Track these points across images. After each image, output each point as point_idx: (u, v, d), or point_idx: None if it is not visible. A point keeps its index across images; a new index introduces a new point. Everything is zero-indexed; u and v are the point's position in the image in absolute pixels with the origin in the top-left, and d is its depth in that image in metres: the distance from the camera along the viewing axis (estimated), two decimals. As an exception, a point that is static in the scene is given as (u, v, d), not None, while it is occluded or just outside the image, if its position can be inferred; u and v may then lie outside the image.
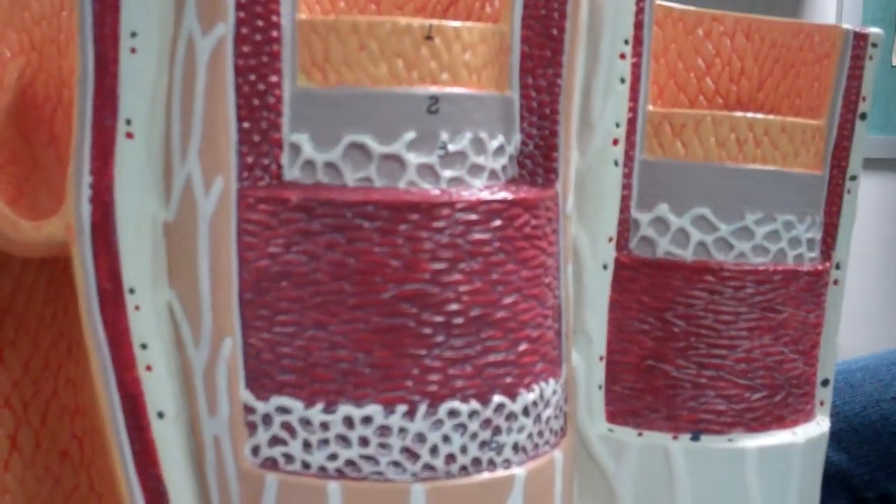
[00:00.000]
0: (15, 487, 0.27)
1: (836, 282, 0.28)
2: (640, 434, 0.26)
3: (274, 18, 0.22)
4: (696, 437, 0.26)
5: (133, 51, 0.22)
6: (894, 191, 2.06)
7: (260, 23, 0.22)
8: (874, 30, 0.28)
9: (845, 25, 0.28)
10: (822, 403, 0.28)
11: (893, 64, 2.07)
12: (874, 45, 0.28)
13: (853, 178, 0.28)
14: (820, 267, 0.27)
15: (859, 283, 2.02)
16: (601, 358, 0.26)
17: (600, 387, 0.26)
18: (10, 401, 0.27)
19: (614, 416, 0.26)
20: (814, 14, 1.98)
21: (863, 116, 0.28)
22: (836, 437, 0.63)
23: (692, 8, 0.31)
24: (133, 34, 0.22)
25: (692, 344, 0.26)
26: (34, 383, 0.27)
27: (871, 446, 0.61)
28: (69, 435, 0.27)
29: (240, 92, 0.22)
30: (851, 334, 1.99)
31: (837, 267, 0.28)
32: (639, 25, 0.26)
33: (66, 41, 0.26)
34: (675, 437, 0.26)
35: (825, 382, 0.28)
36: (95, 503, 0.27)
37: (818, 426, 0.27)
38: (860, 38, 0.28)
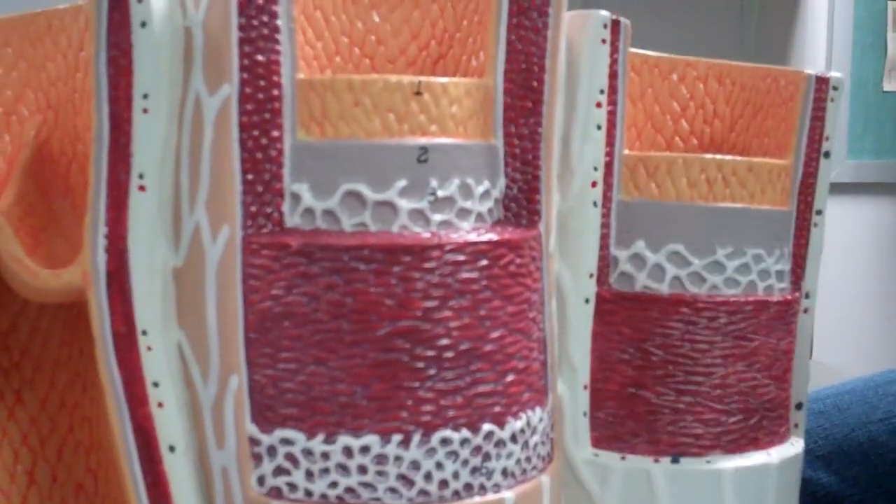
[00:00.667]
0: (34, 520, 0.28)
1: (805, 310, 0.30)
2: (623, 458, 0.27)
3: (275, 79, 0.24)
4: (676, 460, 0.27)
5: (145, 111, 0.24)
6: (888, 214, 2.08)
7: (262, 83, 0.24)
8: (835, 74, 0.30)
9: (807, 71, 0.30)
10: (796, 426, 0.30)
11: (885, 90, 2.10)
12: (835, 89, 0.30)
13: (819, 212, 0.30)
14: (790, 297, 0.29)
15: (855, 306, 2.03)
16: (585, 386, 0.27)
17: (585, 414, 0.28)
18: (27, 438, 0.28)
19: (599, 442, 0.27)
20: (804, 39, 2.01)
21: (826, 154, 0.30)
22: (826, 459, 0.64)
23: (666, 55, 0.32)
24: (145, 96, 0.24)
25: (670, 372, 0.27)
26: (51, 420, 0.28)
27: (860, 468, 0.62)
28: (84, 469, 0.28)
29: (244, 146, 0.24)
30: (848, 352, 2.00)
31: (807, 296, 0.30)
32: (613, 75, 0.28)
33: (81, 100, 0.28)
34: (656, 461, 0.27)
35: (799, 406, 0.29)
36: (111, 533, 0.28)
37: (792, 447, 0.29)
38: (822, 82, 0.30)
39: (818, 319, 1.97)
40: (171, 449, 0.24)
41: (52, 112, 0.28)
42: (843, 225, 2.04)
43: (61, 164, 0.28)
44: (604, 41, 0.27)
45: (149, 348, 0.24)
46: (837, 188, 2.04)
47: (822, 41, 2.03)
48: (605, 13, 0.28)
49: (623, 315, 0.27)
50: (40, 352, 0.28)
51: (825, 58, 2.04)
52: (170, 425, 0.24)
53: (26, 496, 0.28)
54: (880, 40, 2.08)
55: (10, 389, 0.28)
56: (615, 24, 0.28)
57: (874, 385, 0.67)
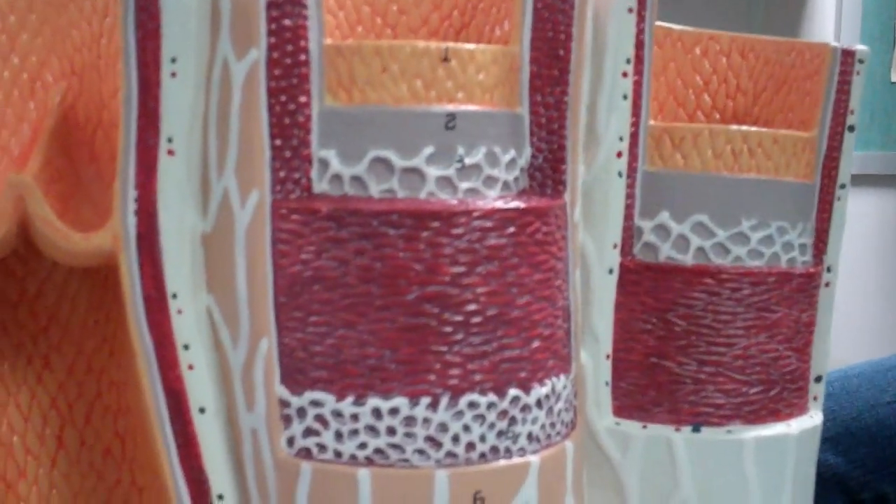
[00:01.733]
0: (62, 483, 0.28)
1: (827, 284, 0.30)
2: (644, 427, 0.27)
3: (302, 44, 0.24)
4: (697, 429, 0.27)
5: (173, 75, 0.24)
6: (894, 206, 2.08)
7: (290, 48, 0.24)
8: (861, 47, 0.30)
9: (833, 43, 0.30)
10: (815, 398, 0.30)
11: (892, 80, 2.09)
12: (861, 62, 0.30)
13: (843, 186, 0.30)
14: (812, 270, 0.29)
15: (860, 296, 2.04)
16: (608, 356, 0.28)
17: (607, 383, 0.28)
18: (56, 402, 0.28)
19: (620, 411, 0.28)
20: (812, 29, 2.01)
21: (851, 128, 0.30)
22: (834, 440, 0.64)
23: (690, 28, 0.33)
24: (173, 59, 0.24)
25: (692, 342, 0.27)
26: (78, 386, 0.28)
27: (867, 449, 0.63)
28: (112, 433, 0.28)
29: (272, 112, 0.24)
30: (851, 344, 2.00)
31: (829, 270, 0.30)
32: (640, 45, 0.28)
33: (106, 66, 0.28)
34: (677, 430, 0.27)
35: (818, 378, 0.30)
36: (137, 496, 0.28)
37: (811, 419, 0.29)
38: (848, 55, 0.30)
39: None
40: (202, 410, 0.24)
41: (76, 78, 0.28)
42: (849, 217, 2.04)
43: (87, 130, 0.28)
44: (631, 10, 0.27)
45: (179, 311, 0.24)
46: (844, 178, 2.04)
47: (829, 32, 2.02)
48: (631, -16, 0.28)
49: (646, 285, 0.28)
50: (68, 317, 0.28)
51: (833, 47, 2.04)
52: (200, 387, 0.24)
53: (55, 459, 0.28)
54: (888, 31, 2.07)
55: (38, 354, 0.28)
56: (641, -4, 0.28)
57: (883, 369, 0.68)
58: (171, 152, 0.24)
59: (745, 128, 0.28)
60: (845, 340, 2.02)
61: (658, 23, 0.32)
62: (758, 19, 1.95)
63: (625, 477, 0.27)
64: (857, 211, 2.08)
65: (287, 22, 0.24)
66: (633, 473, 0.27)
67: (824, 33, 2.04)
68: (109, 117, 0.28)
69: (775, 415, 0.28)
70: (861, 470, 0.64)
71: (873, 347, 2.02)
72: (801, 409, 0.29)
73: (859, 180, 2.09)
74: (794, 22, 2.01)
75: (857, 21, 2.05)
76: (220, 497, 0.25)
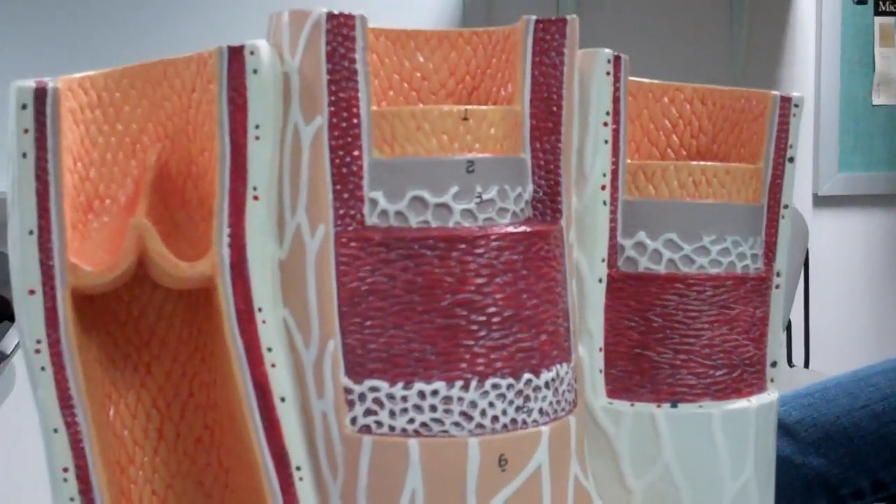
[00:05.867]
0: (162, 468, 0.35)
1: (777, 286, 0.37)
2: (632, 405, 0.34)
3: (355, 111, 0.31)
4: (674, 406, 0.34)
5: (257, 138, 0.31)
6: (879, 226, 2.14)
7: (345, 114, 0.31)
8: (795, 94, 0.37)
9: (774, 92, 0.37)
10: (772, 380, 0.36)
11: (873, 104, 2.17)
12: (796, 106, 0.37)
13: (786, 206, 0.37)
14: (763, 274, 0.36)
15: (847, 317, 2.09)
16: (600, 349, 0.34)
17: (600, 371, 0.34)
18: (156, 402, 0.35)
19: (612, 392, 0.34)
20: (794, 57, 2.08)
21: (791, 160, 0.37)
22: (815, 444, 0.71)
23: (658, 82, 0.40)
24: (257, 126, 0.31)
25: (668, 335, 0.34)
26: (174, 388, 0.35)
27: (845, 449, 0.69)
28: (202, 426, 0.35)
29: (333, 164, 0.31)
30: (839, 357, 2.05)
31: (778, 274, 0.37)
32: (616, 101, 0.35)
33: (194, 131, 0.35)
34: (658, 406, 0.34)
35: (774, 363, 0.36)
36: (224, 476, 0.35)
37: (769, 396, 0.36)
38: (786, 101, 0.37)
39: (813, 331, 2.03)
40: (283, 399, 0.31)
41: (168, 141, 0.35)
42: (834, 236, 2.11)
43: (178, 182, 0.35)
44: (608, 73, 0.34)
45: (264, 322, 0.31)
46: (829, 200, 2.11)
47: (811, 58, 2.10)
48: (608, 51, 0.35)
49: (629, 291, 0.34)
50: (165, 332, 0.35)
51: (814, 74, 2.11)
52: (281, 381, 0.31)
53: (157, 448, 0.35)
54: (868, 56, 2.14)
55: (141, 363, 0.35)
56: (617, 59, 0.35)
57: (857, 378, 0.75)
58: (255, 198, 0.31)
59: (703, 163, 0.35)
60: (835, 358, 2.07)
61: (632, 78, 0.39)
62: (740, 49, 2.03)
63: (618, 446, 0.34)
64: (843, 230, 2.14)
65: (343, 94, 0.31)
66: (624, 443, 0.34)
67: (805, 59, 2.12)
68: (197, 171, 0.35)
69: (738, 392, 0.35)
70: (840, 468, 0.70)
71: (860, 361, 2.07)
72: (760, 388, 0.36)
73: (845, 201, 2.16)
74: (775, 49, 2.09)
75: (836, 47, 2.13)
76: (298, 468, 0.32)
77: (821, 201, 2.12)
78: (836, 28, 2.16)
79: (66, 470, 0.30)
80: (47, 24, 1.44)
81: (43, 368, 0.30)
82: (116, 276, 0.31)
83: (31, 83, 0.32)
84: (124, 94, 0.35)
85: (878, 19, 2.19)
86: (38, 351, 0.30)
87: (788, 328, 1.83)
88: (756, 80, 2.02)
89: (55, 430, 0.30)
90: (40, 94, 0.31)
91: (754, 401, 0.35)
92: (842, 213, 2.14)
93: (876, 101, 2.18)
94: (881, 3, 2.17)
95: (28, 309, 0.30)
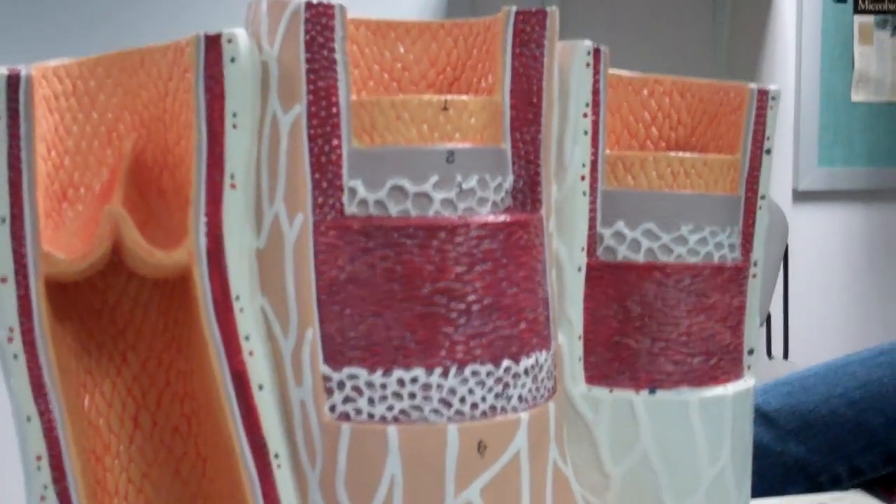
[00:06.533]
0: (138, 457, 0.35)
1: (754, 276, 0.37)
2: (611, 391, 0.34)
3: (334, 100, 0.31)
4: (653, 392, 0.34)
5: (235, 126, 0.31)
6: (858, 221, 2.16)
7: (324, 103, 0.31)
8: (772, 87, 0.37)
9: (751, 85, 0.38)
10: (748, 367, 0.37)
11: (853, 100, 2.18)
12: (773, 99, 0.37)
13: (763, 197, 0.37)
14: (740, 264, 0.36)
15: (827, 311, 2.11)
16: (579, 337, 0.35)
17: (580, 358, 0.35)
18: (132, 391, 0.35)
19: (591, 380, 0.34)
20: (774, 54, 2.10)
21: (768, 151, 0.37)
22: (794, 432, 0.72)
23: (638, 74, 0.40)
24: (234, 114, 0.31)
25: (646, 323, 0.34)
26: (150, 377, 0.35)
27: (823, 437, 0.70)
28: (179, 415, 0.35)
29: (312, 153, 0.31)
30: (819, 349, 2.07)
31: (755, 264, 0.37)
32: (596, 92, 0.35)
33: (170, 119, 0.34)
34: (637, 393, 0.34)
35: (750, 351, 0.37)
36: (201, 465, 0.35)
37: (745, 383, 0.36)
38: (763, 94, 0.37)
39: (792, 323, 2.04)
40: (261, 388, 0.31)
41: (145, 129, 0.35)
42: (814, 231, 2.12)
43: (154, 170, 0.35)
44: (588, 65, 0.34)
45: (241, 310, 0.31)
46: (809, 196, 2.12)
47: (791, 55, 2.11)
48: (588, 43, 0.35)
49: (608, 280, 0.35)
50: (140, 321, 0.35)
51: (795, 70, 2.12)
52: (259, 369, 0.31)
53: (132, 437, 0.35)
54: (847, 53, 2.16)
55: (117, 352, 0.35)
56: (597, 52, 0.35)
57: (835, 367, 0.75)
58: (233, 186, 0.31)
59: (681, 154, 0.35)
60: (814, 351, 2.09)
61: (612, 70, 0.39)
62: (722, 44, 2.04)
63: (596, 432, 0.34)
64: (823, 224, 2.16)
65: (322, 83, 0.31)
66: (603, 429, 0.34)
67: (786, 56, 2.13)
68: (173, 160, 0.34)
69: (715, 380, 0.35)
70: (818, 455, 0.71)
71: (838, 353, 2.10)
72: (736, 375, 0.36)
73: (825, 196, 2.17)
74: (756, 46, 2.10)
75: (816, 44, 2.14)
76: (276, 456, 0.31)
77: (800, 196, 2.14)
78: (816, 25, 2.18)
79: (39, 458, 0.30)
80: (23, 12, 1.43)
81: (16, 356, 0.30)
82: (90, 263, 0.31)
83: (3, 70, 0.31)
84: (99, 83, 0.35)
85: (858, 17, 2.20)
86: (10, 339, 0.30)
87: (768, 321, 1.85)
88: (738, 75, 2.03)
89: (28, 419, 0.30)
90: (13, 81, 0.31)
91: (731, 388, 0.35)
92: (821, 207, 2.16)
93: (855, 97, 2.19)
94: (860, 2, 2.19)
95: (0, 297, 0.30)
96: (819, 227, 2.17)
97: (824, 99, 2.20)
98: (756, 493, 0.66)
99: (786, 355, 1.90)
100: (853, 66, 2.21)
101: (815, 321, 2.10)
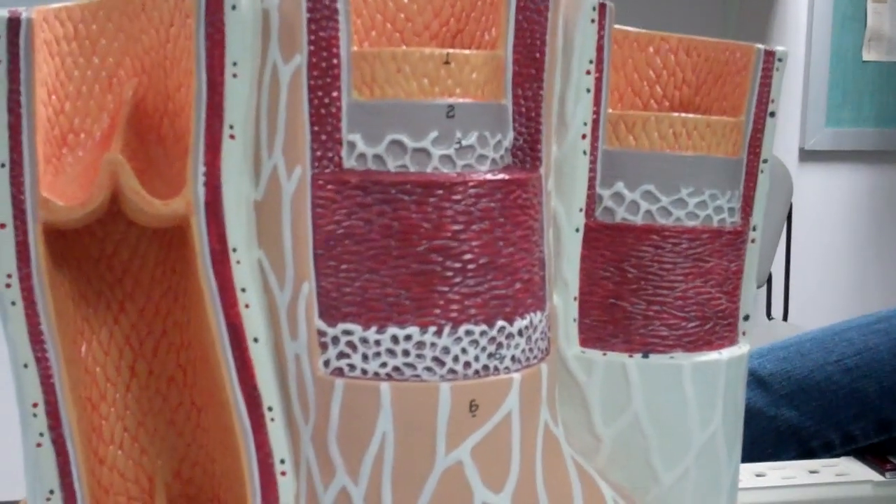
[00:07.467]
0: (134, 405, 0.35)
1: (753, 240, 0.37)
2: (604, 354, 0.34)
3: (335, 50, 0.31)
4: (646, 356, 0.34)
5: (234, 75, 0.31)
6: (864, 181, 2.15)
7: (325, 54, 0.31)
8: (779, 48, 0.37)
9: (758, 45, 0.37)
10: (743, 333, 0.37)
11: (864, 59, 2.16)
12: (780, 60, 0.37)
13: (765, 160, 0.37)
14: (739, 228, 0.36)
15: (830, 271, 2.12)
16: (575, 298, 0.35)
17: (574, 320, 0.35)
18: (129, 339, 0.35)
19: (585, 342, 0.35)
20: (786, 11, 2.07)
21: (772, 114, 0.37)
22: (788, 397, 0.72)
23: (644, 31, 0.39)
24: (234, 63, 0.31)
25: (642, 286, 0.34)
26: (147, 326, 0.35)
27: (817, 403, 0.70)
28: (175, 365, 0.35)
29: (311, 104, 0.31)
30: (821, 321, 2.08)
31: (754, 229, 0.37)
32: (600, 49, 0.35)
33: (171, 65, 0.34)
34: (630, 356, 0.34)
35: (746, 317, 0.37)
36: (196, 415, 0.35)
37: (739, 349, 0.36)
38: (769, 55, 0.37)
39: (793, 283, 2.05)
40: (256, 340, 0.31)
41: (146, 76, 0.35)
42: (819, 191, 2.12)
43: (155, 118, 0.35)
44: (593, 21, 0.34)
45: (238, 262, 0.31)
46: (816, 155, 2.11)
47: (802, 12, 2.09)
48: (594, -1, 0.34)
49: (606, 241, 0.34)
50: (138, 270, 0.35)
51: (806, 28, 2.10)
52: (254, 322, 0.31)
53: (129, 386, 0.35)
54: (860, 11, 2.13)
55: (114, 300, 0.35)
56: (602, 7, 0.35)
57: (832, 333, 0.75)
58: (232, 136, 0.31)
59: (683, 115, 0.35)
60: (817, 312, 2.09)
61: (617, 26, 0.39)
62: (733, 2, 2.01)
63: (589, 395, 0.35)
64: (830, 185, 2.15)
65: (323, 34, 0.31)
66: (595, 392, 0.34)
67: (797, 13, 2.10)
68: (173, 107, 0.34)
69: (709, 345, 0.35)
70: (812, 421, 0.71)
71: (838, 316, 2.10)
72: (731, 341, 0.36)
73: (832, 156, 2.16)
74: (767, 3, 2.07)
75: (829, 1, 2.11)
76: (270, 409, 0.32)
77: (807, 155, 2.13)
78: (830, -19, 2.14)
79: (35, 405, 0.30)
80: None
81: (13, 303, 0.30)
82: (89, 211, 0.31)
83: (3, 12, 0.31)
84: (101, 27, 0.34)
85: (873, -26, 2.17)
86: (8, 285, 0.30)
87: (769, 281, 1.85)
88: (748, 33, 2.01)
89: (25, 365, 0.30)
90: (13, 24, 0.31)
91: (725, 353, 0.35)
92: (827, 167, 2.15)
93: (867, 56, 2.17)
94: (876, -43, 2.15)
95: (-1, 243, 0.30)
96: (824, 187, 2.17)
97: (835, 57, 2.17)
98: (748, 457, 0.67)
99: (785, 316, 1.90)
100: (866, 24, 2.18)
101: (816, 282, 2.10)
